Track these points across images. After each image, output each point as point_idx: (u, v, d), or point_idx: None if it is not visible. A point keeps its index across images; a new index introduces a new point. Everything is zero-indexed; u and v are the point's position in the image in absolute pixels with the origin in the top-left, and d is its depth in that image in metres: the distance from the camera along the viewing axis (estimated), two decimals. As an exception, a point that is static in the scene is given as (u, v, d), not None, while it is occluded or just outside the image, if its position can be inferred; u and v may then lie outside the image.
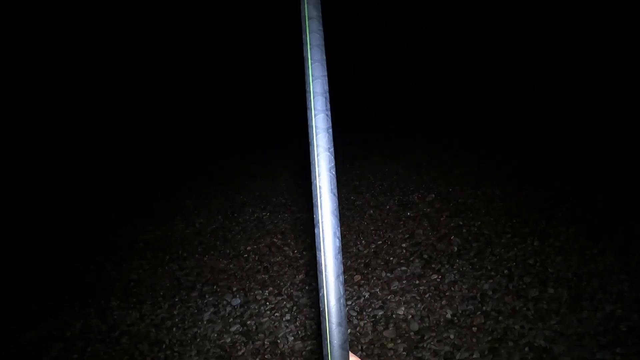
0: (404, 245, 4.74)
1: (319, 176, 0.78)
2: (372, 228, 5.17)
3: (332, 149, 0.79)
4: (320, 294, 0.76)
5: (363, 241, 4.94)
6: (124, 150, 9.62)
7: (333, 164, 0.79)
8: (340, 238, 0.78)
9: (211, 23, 11.30)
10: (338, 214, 0.78)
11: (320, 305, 0.76)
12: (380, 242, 4.88)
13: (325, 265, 0.76)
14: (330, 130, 0.80)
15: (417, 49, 11.06)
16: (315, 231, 0.77)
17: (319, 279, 0.76)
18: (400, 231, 5.00)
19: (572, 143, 6.35)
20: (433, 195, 5.56)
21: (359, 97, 10.71)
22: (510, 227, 4.65)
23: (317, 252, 0.77)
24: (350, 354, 0.79)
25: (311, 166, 0.79)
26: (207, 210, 6.29)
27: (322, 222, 0.77)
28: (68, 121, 10.12)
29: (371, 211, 5.52)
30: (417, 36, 11.02)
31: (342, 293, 0.76)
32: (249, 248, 5.19)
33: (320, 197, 0.77)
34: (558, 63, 9.38)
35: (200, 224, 5.91)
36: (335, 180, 0.78)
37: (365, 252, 4.76)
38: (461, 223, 4.89)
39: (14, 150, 8.95)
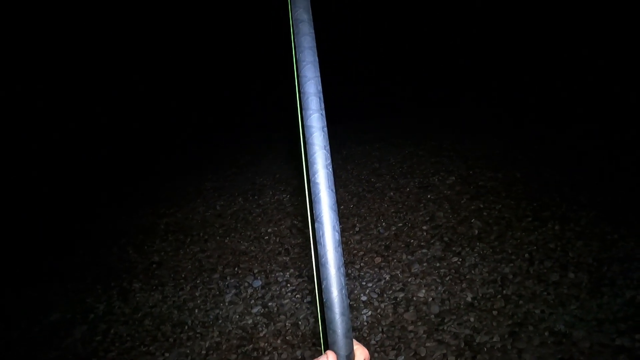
0: (424, 227, 4.74)
1: (316, 173, 0.80)
2: (392, 210, 5.17)
3: (328, 147, 0.82)
4: (323, 286, 0.79)
5: (384, 223, 4.95)
6: (144, 134, 9.68)
7: (329, 161, 0.82)
8: (339, 232, 0.81)
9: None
10: (336, 209, 0.81)
11: (324, 296, 0.79)
12: (400, 224, 4.89)
13: (326, 258, 0.79)
14: (325, 128, 0.82)
15: (436, 32, 11.00)
16: (316, 226, 0.80)
17: (321, 272, 0.79)
18: (421, 214, 4.99)
19: (595, 126, 6.27)
20: (453, 178, 5.54)
21: (379, 80, 10.70)
22: (531, 211, 4.62)
23: (318, 246, 0.79)
24: (354, 341, 0.82)
25: (308, 164, 0.81)
26: (227, 192, 6.33)
27: (322, 217, 0.79)
28: (89, 105, 10.21)
29: (391, 193, 5.52)
30: (435, 22, 10.97)
31: (343, 284, 0.79)
32: (269, 230, 5.22)
33: (319, 193, 0.80)
34: (578, 41, 9.26)
35: (221, 206, 5.95)
36: (332, 177, 0.81)
37: (386, 234, 4.77)
38: (482, 206, 4.88)
39: (31, 138, 9.06)
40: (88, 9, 10.50)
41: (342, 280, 0.80)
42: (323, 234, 0.80)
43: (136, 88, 10.91)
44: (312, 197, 0.81)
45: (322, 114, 0.83)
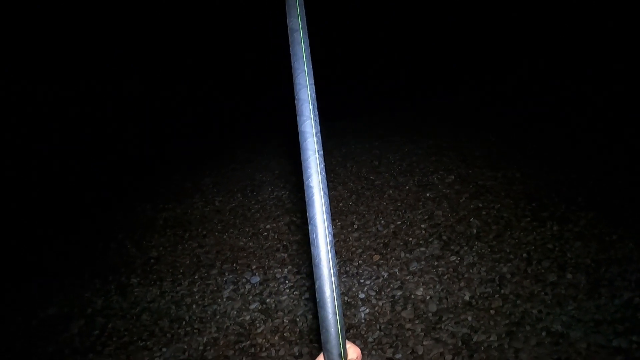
0: (423, 226, 4.74)
1: (310, 177, 0.83)
2: (391, 208, 5.17)
3: (321, 152, 0.85)
4: (317, 286, 0.81)
5: (382, 221, 4.96)
6: (143, 128, 9.67)
7: (322, 165, 0.85)
8: (332, 233, 0.83)
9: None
10: (329, 211, 0.83)
11: (317, 296, 0.81)
12: (399, 222, 4.89)
13: (320, 259, 0.80)
14: (319, 134, 0.86)
15: (433, 29, 11.01)
16: (309, 227, 0.82)
17: (314, 272, 0.81)
18: (420, 212, 5.00)
19: (594, 127, 6.27)
20: (453, 177, 5.54)
21: (380, 77, 10.70)
22: (530, 211, 4.63)
23: (312, 247, 0.81)
24: (348, 341, 0.84)
25: (302, 168, 0.84)
26: (226, 188, 6.32)
27: (315, 219, 0.81)
28: (85, 101, 10.20)
29: (390, 191, 5.52)
30: (432, 18, 10.97)
31: (336, 284, 0.81)
32: (268, 226, 5.22)
33: (312, 197, 0.82)
34: (578, 39, 9.26)
35: (220, 202, 5.95)
36: (325, 181, 0.84)
37: (385, 232, 4.77)
38: (481, 205, 4.88)
39: (32, 134, 9.06)
40: (89, 10, 10.49)
41: (335, 280, 0.81)
42: (316, 236, 0.82)
43: (135, 84, 10.91)
44: (306, 199, 0.83)
45: (315, 120, 0.87)
